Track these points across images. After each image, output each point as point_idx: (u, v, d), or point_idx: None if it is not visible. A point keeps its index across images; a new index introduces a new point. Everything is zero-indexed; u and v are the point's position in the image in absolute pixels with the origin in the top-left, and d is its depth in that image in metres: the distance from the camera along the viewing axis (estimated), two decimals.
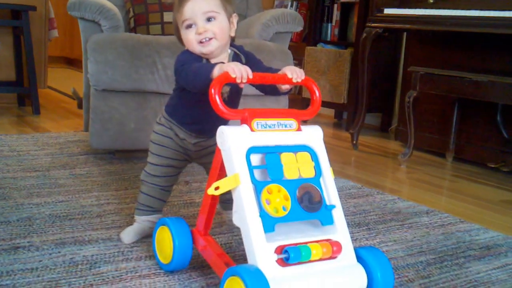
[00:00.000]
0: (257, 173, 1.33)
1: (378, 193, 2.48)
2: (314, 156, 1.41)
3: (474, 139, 3.25)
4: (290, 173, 1.35)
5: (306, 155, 1.40)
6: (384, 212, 2.21)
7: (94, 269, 1.50)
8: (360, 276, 1.33)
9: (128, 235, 1.72)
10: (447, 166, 3.22)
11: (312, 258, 1.27)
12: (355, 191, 2.49)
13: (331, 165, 1.43)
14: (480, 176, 3.01)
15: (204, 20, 1.55)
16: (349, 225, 2.00)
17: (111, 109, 2.58)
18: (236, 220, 1.31)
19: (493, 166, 3.01)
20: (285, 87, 1.52)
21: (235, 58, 1.63)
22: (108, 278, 1.46)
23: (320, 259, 1.30)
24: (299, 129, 1.42)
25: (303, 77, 1.47)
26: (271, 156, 1.35)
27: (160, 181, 1.72)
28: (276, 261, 1.25)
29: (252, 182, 1.30)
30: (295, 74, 1.46)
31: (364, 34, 3.46)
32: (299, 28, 3.02)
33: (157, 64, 2.56)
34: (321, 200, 1.36)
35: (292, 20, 2.96)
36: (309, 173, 1.38)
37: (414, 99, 3.07)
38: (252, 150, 1.33)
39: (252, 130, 1.35)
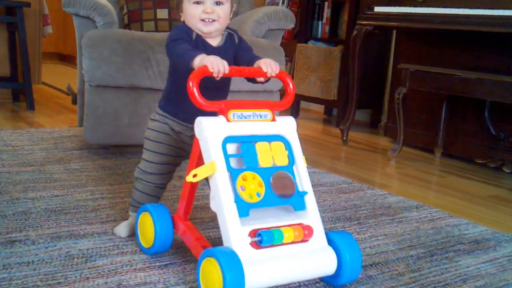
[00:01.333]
0: (233, 161, 1.39)
1: (368, 188, 2.51)
2: (288, 145, 1.48)
3: (462, 136, 3.28)
4: (264, 161, 1.41)
5: (280, 144, 1.46)
6: (374, 207, 2.24)
7: (89, 263, 1.52)
8: (330, 258, 1.40)
9: (122, 230, 1.73)
10: (435, 161, 3.25)
11: (284, 241, 1.34)
12: (345, 186, 2.52)
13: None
14: (468, 171, 3.04)
15: (213, 2, 1.60)
16: (340, 219, 2.05)
17: (105, 105, 2.59)
18: (213, 205, 1.37)
19: (480, 162, 3.04)
20: (260, 79, 1.59)
21: (228, 37, 1.68)
22: (103, 271, 1.48)
23: (292, 242, 1.36)
24: (273, 120, 1.48)
25: (277, 71, 1.52)
26: (246, 145, 1.41)
27: (155, 179, 1.71)
28: (250, 243, 1.32)
29: (228, 170, 1.36)
30: (270, 68, 1.51)
31: (355, 32, 3.49)
32: (291, 25, 3.04)
33: (151, 60, 2.58)
34: (294, 188, 1.43)
35: (284, 17, 2.98)
36: (283, 161, 1.45)
37: (404, 95, 3.10)
38: (228, 139, 1.40)
39: (228, 120, 1.42)
